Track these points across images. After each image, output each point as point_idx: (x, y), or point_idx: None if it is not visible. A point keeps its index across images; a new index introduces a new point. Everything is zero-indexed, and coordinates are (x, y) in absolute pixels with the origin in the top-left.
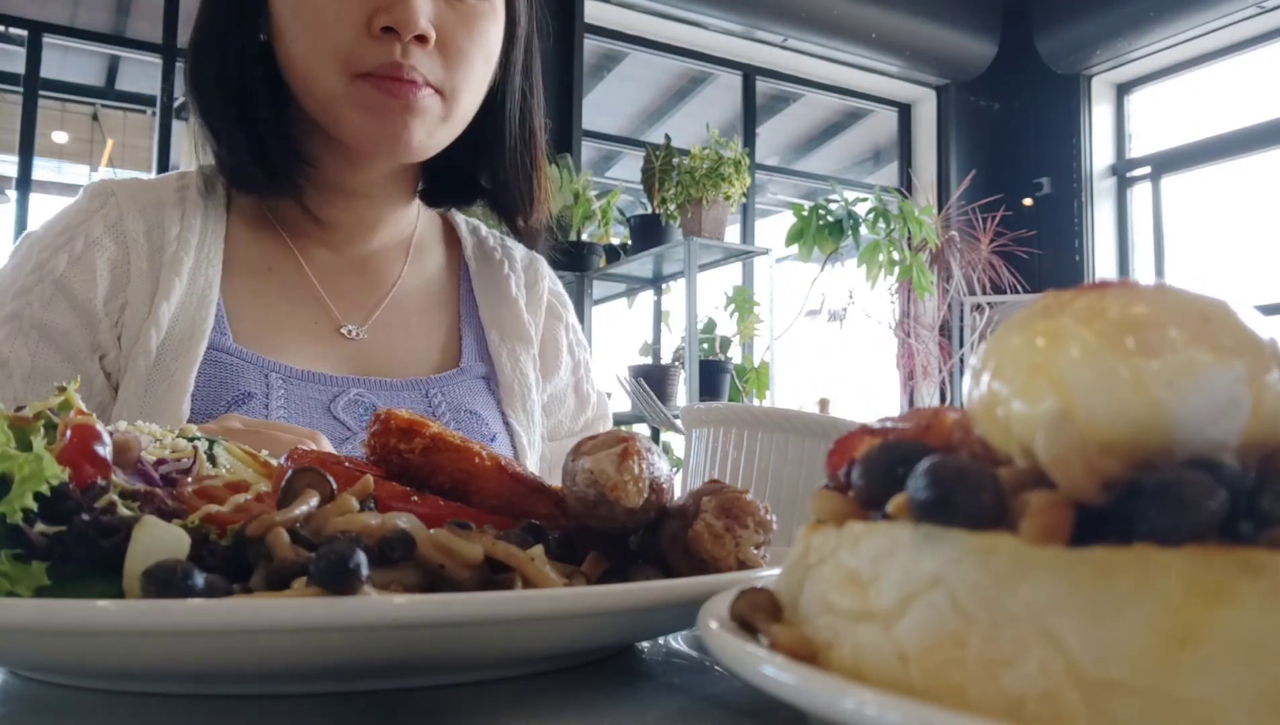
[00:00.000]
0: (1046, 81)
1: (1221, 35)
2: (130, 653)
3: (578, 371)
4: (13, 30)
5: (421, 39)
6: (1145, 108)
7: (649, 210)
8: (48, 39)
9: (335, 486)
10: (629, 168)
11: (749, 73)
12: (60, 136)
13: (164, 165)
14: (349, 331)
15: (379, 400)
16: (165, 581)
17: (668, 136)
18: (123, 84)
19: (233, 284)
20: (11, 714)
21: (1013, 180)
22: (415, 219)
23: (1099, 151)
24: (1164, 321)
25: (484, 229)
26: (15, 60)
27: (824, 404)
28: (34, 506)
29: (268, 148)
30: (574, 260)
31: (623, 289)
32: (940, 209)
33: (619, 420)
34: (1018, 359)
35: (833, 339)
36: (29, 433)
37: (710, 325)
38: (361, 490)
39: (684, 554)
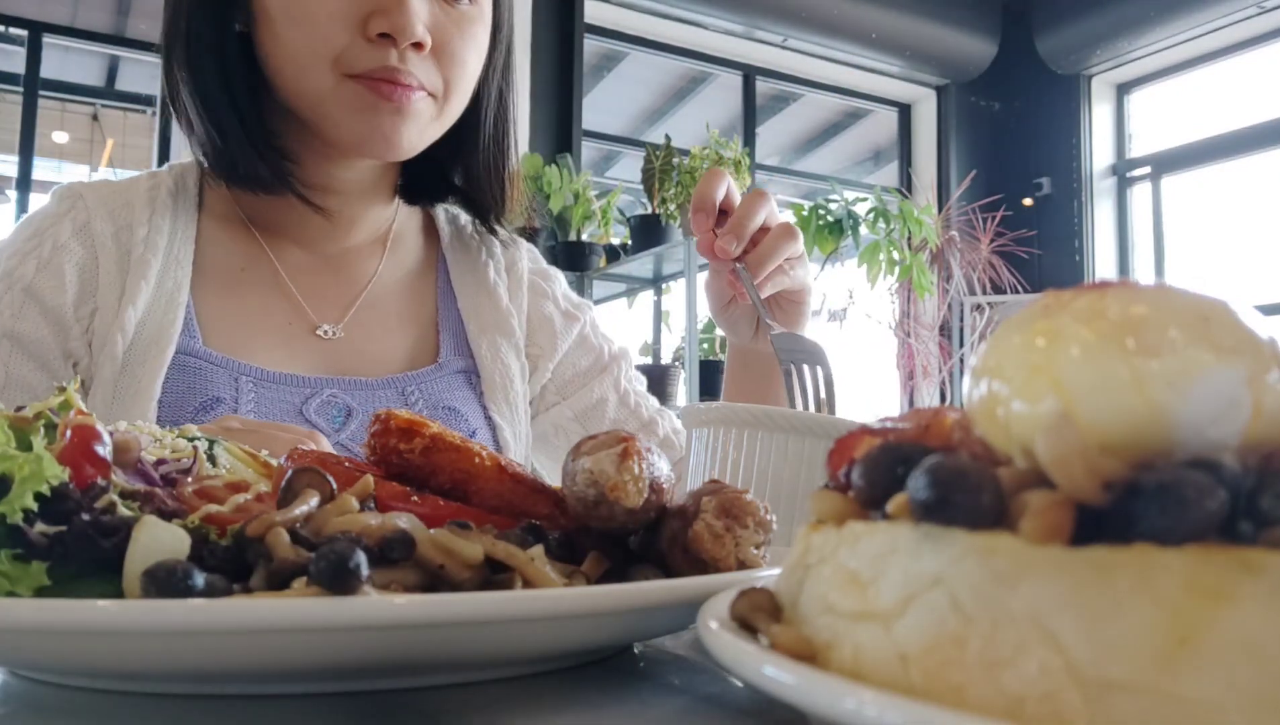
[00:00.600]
0: (1046, 81)
1: (1221, 35)
2: (130, 653)
3: (582, 330)
4: (13, 30)
5: (418, 45)
6: (1145, 108)
7: (649, 210)
8: (48, 39)
9: (335, 486)
10: (629, 168)
11: (749, 73)
12: (60, 136)
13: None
14: (325, 331)
15: (354, 400)
16: (165, 581)
17: (668, 136)
18: (123, 84)
19: (203, 286)
20: (11, 714)
21: (1013, 180)
22: (394, 214)
23: (1099, 151)
24: (1164, 321)
25: (463, 217)
26: (15, 60)
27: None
28: (34, 506)
29: (248, 141)
30: (574, 260)
31: (623, 289)
32: (940, 209)
33: None
34: (1018, 359)
35: (833, 339)
36: (29, 433)
37: (710, 325)
38: (361, 490)
39: (684, 554)
